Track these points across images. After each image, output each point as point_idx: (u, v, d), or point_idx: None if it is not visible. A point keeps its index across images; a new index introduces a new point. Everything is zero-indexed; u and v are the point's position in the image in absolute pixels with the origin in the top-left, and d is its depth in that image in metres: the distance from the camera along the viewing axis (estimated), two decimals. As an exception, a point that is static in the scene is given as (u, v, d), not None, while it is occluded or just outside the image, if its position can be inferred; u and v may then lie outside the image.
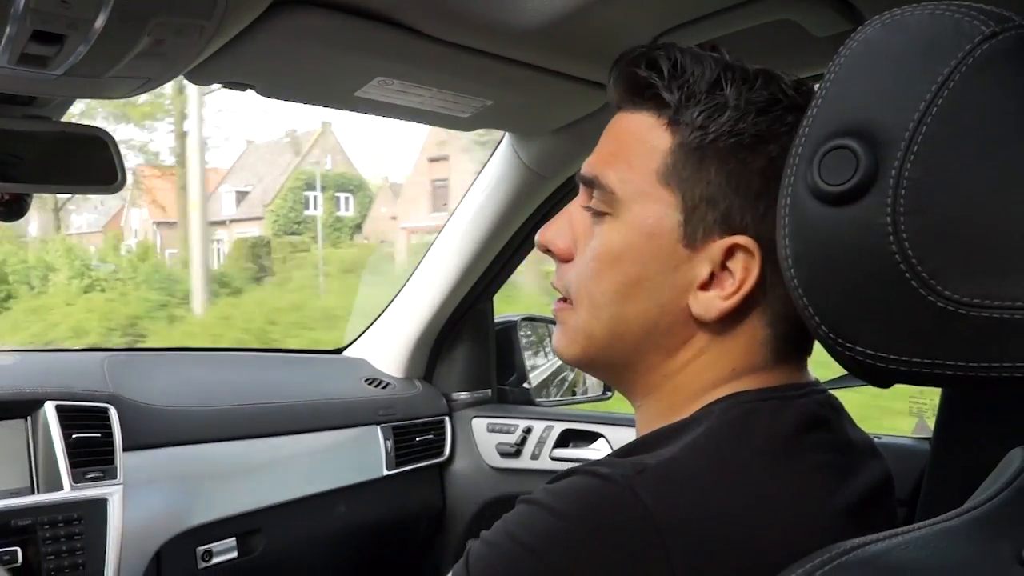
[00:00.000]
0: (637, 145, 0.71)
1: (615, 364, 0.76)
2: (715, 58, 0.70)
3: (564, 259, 0.77)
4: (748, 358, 0.70)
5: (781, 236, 0.54)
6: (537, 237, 0.79)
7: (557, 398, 2.06)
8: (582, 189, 0.76)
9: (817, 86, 0.71)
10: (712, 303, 0.68)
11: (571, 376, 2.11)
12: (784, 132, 0.67)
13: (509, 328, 2.02)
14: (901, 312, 0.49)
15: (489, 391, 1.97)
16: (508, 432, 1.84)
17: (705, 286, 0.69)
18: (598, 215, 0.73)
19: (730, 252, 0.68)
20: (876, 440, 0.76)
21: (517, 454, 1.82)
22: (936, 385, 0.54)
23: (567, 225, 0.77)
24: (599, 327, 0.73)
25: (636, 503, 0.58)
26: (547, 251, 0.79)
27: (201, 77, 1.05)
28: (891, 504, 0.73)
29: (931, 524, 0.49)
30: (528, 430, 1.82)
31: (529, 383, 2.01)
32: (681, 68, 0.70)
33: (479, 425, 1.89)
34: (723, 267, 0.68)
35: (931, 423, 1.22)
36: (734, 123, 0.68)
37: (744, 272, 0.68)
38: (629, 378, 0.76)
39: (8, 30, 0.77)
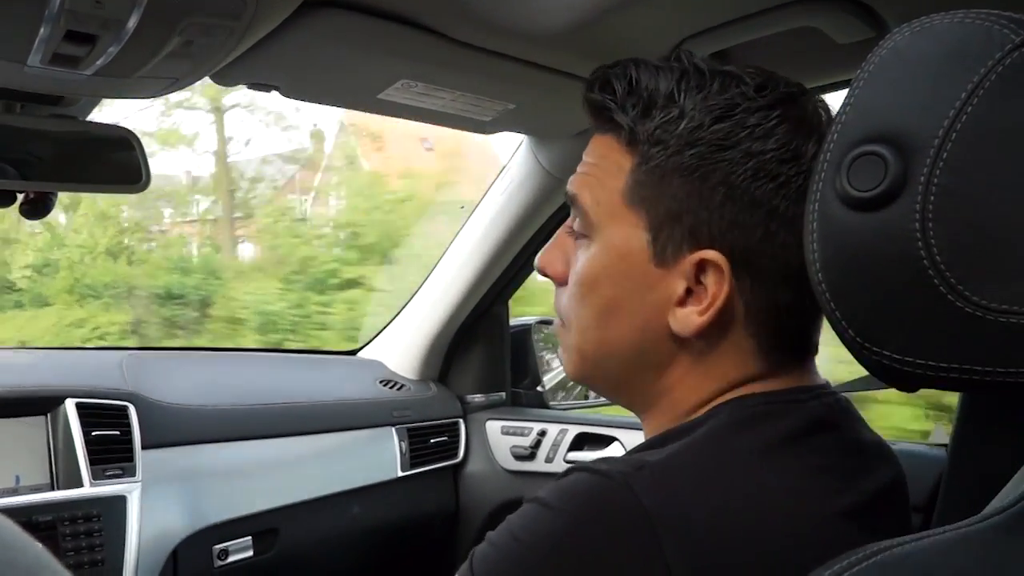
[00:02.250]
0: (605, 166, 0.72)
1: (610, 381, 0.76)
2: (675, 67, 0.69)
3: (559, 283, 0.77)
4: (740, 370, 0.69)
5: (809, 241, 0.54)
6: (535, 261, 0.80)
7: (571, 401, 2.06)
8: (572, 210, 0.77)
9: (824, 97, 0.72)
10: (689, 319, 0.68)
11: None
12: (745, 136, 0.66)
13: (524, 331, 2.03)
14: (929, 317, 0.49)
15: (504, 394, 1.97)
16: (522, 435, 1.84)
17: (682, 302, 0.68)
18: (581, 237, 0.74)
19: (701, 267, 0.67)
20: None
21: (531, 457, 1.82)
22: (963, 390, 0.54)
23: (560, 249, 0.77)
24: (588, 349, 0.74)
25: (632, 499, 0.58)
26: (545, 275, 0.79)
27: (227, 78, 1.05)
28: (903, 509, 0.73)
29: (955, 528, 0.49)
30: (543, 433, 1.82)
31: (543, 386, 2.01)
32: (635, 85, 0.69)
33: (493, 427, 1.89)
34: (698, 281, 0.67)
35: (948, 429, 1.22)
36: (690, 133, 0.66)
37: (716, 286, 0.67)
38: (626, 394, 0.76)
39: (42, 31, 0.78)
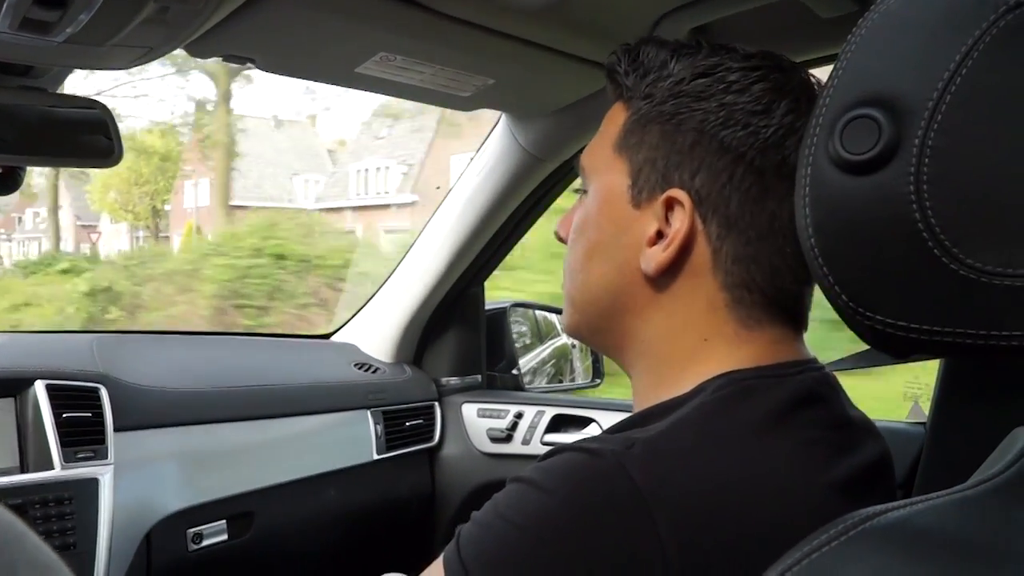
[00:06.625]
0: (606, 125, 0.78)
1: (599, 330, 0.79)
2: (678, 43, 0.74)
3: (567, 243, 0.82)
4: (715, 325, 0.71)
5: (801, 205, 0.54)
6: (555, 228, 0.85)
7: (546, 385, 2.06)
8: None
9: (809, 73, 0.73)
10: (653, 256, 0.71)
11: (559, 363, 2.11)
12: (722, 89, 0.70)
13: (499, 314, 2.02)
14: (923, 281, 0.49)
15: (479, 376, 1.96)
16: (499, 417, 1.83)
17: (652, 243, 0.72)
18: (582, 193, 0.80)
19: (669, 206, 0.71)
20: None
21: (508, 439, 1.81)
22: (956, 355, 0.54)
23: (572, 213, 0.82)
24: (576, 294, 0.79)
25: (624, 478, 0.58)
26: (559, 239, 0.84)
27: (202, 49, 1.03)
28: (889, 484, 0.74)
29: (949, 493, 0.49)
30: (519, 415, 1.82)
31: (519, 369, 2.00)
32: (639, 54, 0.75)
33: (469, 410, 1.88)
34: (667, 223, 0.71)
35: (925, 407, 1.22)
36: (674, 85, 0.72)
37: (679, 223, 0.70)
38: (613, 344, 0.78)
39: None
